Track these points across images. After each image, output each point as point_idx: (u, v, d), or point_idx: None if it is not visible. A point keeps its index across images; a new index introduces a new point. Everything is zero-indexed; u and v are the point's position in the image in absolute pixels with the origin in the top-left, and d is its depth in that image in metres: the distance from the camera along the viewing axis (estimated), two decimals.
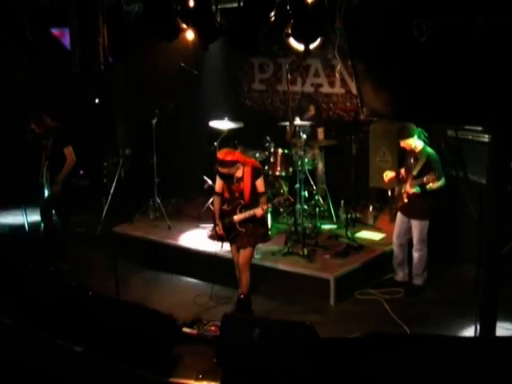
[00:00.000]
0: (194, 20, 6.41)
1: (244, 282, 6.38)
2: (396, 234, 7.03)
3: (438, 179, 6.53)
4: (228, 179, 6.28)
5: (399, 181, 6.95)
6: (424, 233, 6.83)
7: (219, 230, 6.38)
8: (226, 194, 6.34)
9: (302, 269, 7.01)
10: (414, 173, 6.66)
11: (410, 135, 6.63)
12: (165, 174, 8.95)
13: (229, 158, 6.14)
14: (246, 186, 6.22)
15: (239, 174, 6.24)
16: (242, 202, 6.24)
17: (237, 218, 6.23)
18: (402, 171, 6.97)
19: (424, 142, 6.71)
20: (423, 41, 4.20)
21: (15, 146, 8.57)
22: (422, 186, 6.55)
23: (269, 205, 6.29)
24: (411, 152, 6.75)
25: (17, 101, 8.91)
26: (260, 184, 6.24)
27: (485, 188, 5.51)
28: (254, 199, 6.23)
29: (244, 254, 6.32)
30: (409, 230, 6.94)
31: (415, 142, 6.66)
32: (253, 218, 6.20)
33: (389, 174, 7.00)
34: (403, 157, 7.10)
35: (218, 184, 6.41)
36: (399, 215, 6.98)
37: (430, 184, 6.48)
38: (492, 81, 4.06)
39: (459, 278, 7.26)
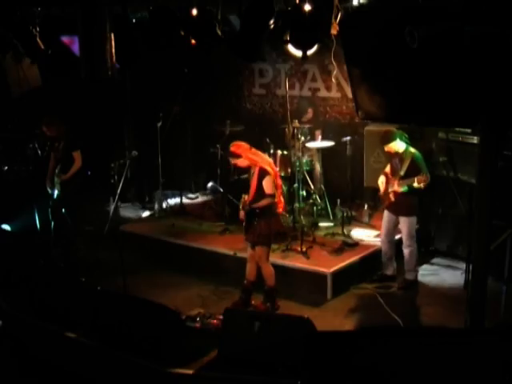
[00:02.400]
0: (195, 28, 6.58)
1: (265, 276, 6.51)
2: (385, 232, 7.18)
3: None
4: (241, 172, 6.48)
5: (387, 182, 7.10)
6: (412, 228, 7.01)
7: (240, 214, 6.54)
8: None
9: (301, 264, 7.16)
10: (402, 173, 6.84)
11: (391, 140, 6.85)
12: (169, 175, 9.16)
13: (232, 149, 6.40)
14: (253, 184, 6.40)
15: (253, 171, 6.47)
16: (246, 197, 6.40)
17: (241, 212, 6.46)
18: (388, 171, 7.13)
19: (406, 143, 6.90)
20: (415, 47, 4.42)
21: (28, 147, 8.75)
22: (410, 185, 6.74)
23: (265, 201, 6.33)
24: (395, 154, 6.94)
25: (29, 105, 9.07)
26: (266, 185, 6.32)
27: (474, 187, 5.72)
28: (258, 199, 6.34)
29: (257, 253, 6.47)
30: (396, 227, 7.12)
31: (397, 145, 6.86)
32: (255, 216, 6.34)
33: (383, 182, 7.13)
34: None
35: None
36: (386, 213, 7.13)
37: (421, 184, 6.61)
38: (481, 85, 4.27)
39: (450, 272, 7.48)
